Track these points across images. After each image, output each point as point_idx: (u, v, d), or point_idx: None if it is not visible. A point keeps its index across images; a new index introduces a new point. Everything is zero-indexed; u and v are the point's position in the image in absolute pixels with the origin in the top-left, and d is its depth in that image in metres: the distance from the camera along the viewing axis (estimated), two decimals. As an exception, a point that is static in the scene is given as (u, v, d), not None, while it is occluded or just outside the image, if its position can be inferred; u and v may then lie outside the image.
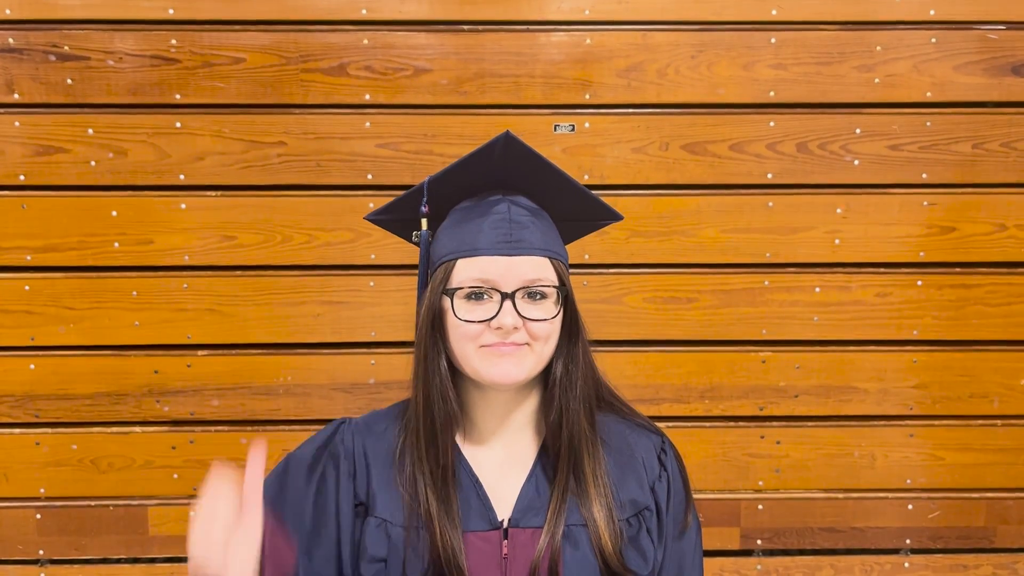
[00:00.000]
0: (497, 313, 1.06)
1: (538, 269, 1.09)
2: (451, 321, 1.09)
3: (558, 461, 1.13)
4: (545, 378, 1.15)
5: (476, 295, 1.08)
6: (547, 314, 1.09)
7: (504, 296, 1.06)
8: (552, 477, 1.13)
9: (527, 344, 1.08)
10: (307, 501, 1.14)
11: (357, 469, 1.16)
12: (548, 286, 1.09)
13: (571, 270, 2.04)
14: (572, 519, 1.12)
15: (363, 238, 2.02)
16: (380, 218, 1.21)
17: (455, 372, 1.14)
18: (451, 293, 1.09)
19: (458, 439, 1.17)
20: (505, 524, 1.12)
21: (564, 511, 1.11)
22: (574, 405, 1.12)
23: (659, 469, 1.19)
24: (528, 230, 1.09)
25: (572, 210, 1.19)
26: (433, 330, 1.11)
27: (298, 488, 1.15)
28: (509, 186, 1.13)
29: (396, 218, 1.20)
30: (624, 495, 1.15)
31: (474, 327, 1.07)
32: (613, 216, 1.23)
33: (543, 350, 1.10)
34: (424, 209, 1.12)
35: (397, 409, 1.22)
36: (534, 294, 1.09)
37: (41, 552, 2.12)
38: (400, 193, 1.19)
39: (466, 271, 1.08)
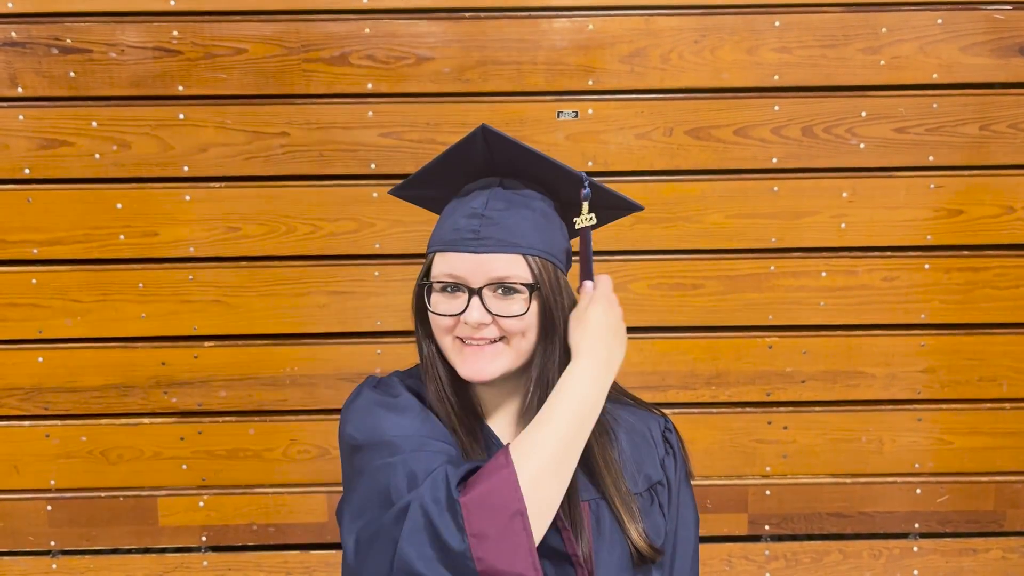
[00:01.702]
0: (465, 309, 1.06)
1: (508, 266, 1.06)
2: (429, 313, 1.10)
3: None
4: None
5: (450, 288, 1.08)
6: (517, 311, 1.07)
7: (472, 292, 1.06)
8: None
9: (503, 339, 1.08)
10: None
11: None
12: (517, 283, 1.07)
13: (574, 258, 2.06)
14: (591, 495, 1.12)
15: (367, 228, 2.02)
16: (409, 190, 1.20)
17: None
18: (428, 286, 1.10)
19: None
20: None
21: (581, 489, 1.11)
22: None
23: (665, 446, 1.22)
24: (499, 226, 1.07)
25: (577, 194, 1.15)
26: (417, 317, 1.14)
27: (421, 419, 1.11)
28: (505, 173, 1.12)
29: (424, 193, 1.19)
30: (640, 471, 1.17)
31: (446, 320, 1.08)
32: (632, 206, 1.18)
33: (520, 344, 1.09)
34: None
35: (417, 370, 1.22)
36: (506, 289, 1.07)
37: (52, 543, 2.14)
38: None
39: (440, 265, 1.09)
